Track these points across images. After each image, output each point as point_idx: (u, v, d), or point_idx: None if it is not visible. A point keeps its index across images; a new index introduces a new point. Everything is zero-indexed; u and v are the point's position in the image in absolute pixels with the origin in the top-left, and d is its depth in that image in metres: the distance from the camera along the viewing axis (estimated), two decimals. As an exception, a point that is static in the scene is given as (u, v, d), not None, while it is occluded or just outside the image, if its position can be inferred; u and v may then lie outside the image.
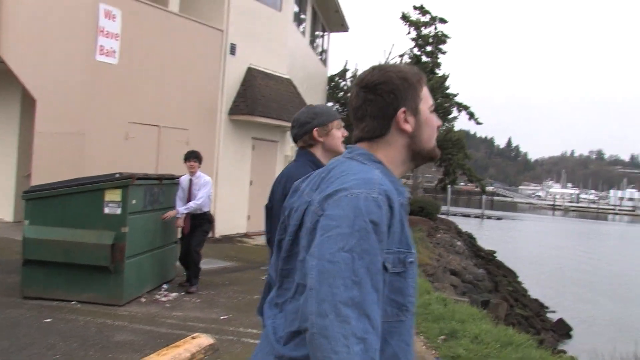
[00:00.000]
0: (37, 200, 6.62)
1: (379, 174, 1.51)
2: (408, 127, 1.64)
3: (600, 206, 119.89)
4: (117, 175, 6.71)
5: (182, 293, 7.61)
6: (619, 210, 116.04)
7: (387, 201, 1.44)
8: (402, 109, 1.63)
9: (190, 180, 7.87)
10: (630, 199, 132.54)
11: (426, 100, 1.68)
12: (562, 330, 15.44)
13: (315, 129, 2.89)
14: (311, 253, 1.41)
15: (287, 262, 1.64)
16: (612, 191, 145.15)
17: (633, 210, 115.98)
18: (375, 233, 1.38)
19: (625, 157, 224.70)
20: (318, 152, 2.91)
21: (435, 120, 1.71)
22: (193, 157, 7.86)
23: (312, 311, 1.33)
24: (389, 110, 1.63)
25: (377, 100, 1.63)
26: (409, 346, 1.52)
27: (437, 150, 1.73)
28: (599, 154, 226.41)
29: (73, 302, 6.55)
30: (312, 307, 1.33)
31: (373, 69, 1.69)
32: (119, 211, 6.55)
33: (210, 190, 7.99)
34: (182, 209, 7.78)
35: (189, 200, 7.80)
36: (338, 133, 2.94)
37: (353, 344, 1.28)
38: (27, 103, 9.75)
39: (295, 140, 3.00)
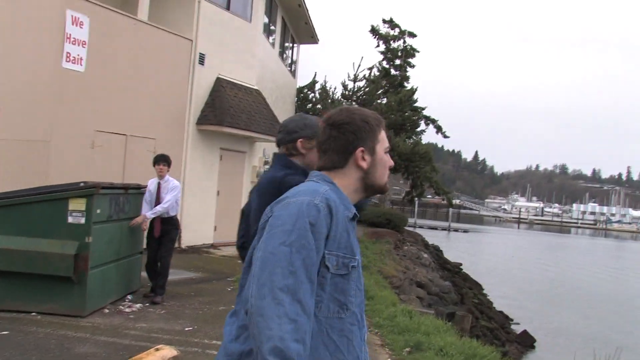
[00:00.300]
0: (-2, 208, 6.48)
1: (326, 188, 1.76)
2: (364, 164, 1.88)
3: (564, 219, 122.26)
4: (82, 184, 6.61)
5: (147, 304, 7.51)
6: (581, 223, 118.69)
7: (328, 208, 1.68)
8: (361, 148, 1.87)
9: (159, 184, 7.84)
10: (592, 213, 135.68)
11: (383, 142, 1.93)
12: (526, 341, 15.64)
13: (300, 139, 2.83)
14: (258, 247, 1.64)
15: (246, 272, 1.78)
16: (575, 205, 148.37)
17: (594, 224, 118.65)
18: (312, 232, 1.61)
19: (588, 172, 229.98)
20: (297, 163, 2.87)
21: (388, 161, 1.95)
22: (162, 160, 7.86)
23: (252, 294, 1.53)
24: (349, 147, 1.87)
25: (340, 138, 1.87)
26: (351, 341, 1.72)
27: (387, 187, 1.96)
28: (563, 168, 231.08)
29: (33, 314, 6.40)
30: (253, 290, 1.54)
31: (341, 110, 1.93)
32: (83, 221, 6.44)
33: (178, 195, 7.99)
34: (149, 213, 7.72)
35: (157, 204, 7.76)
36: None
37: (285, 323, 1.48)
38: (-10, 109, 9.58)
39: (278, 144, 2.95)
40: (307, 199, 1.66)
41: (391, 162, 1.97)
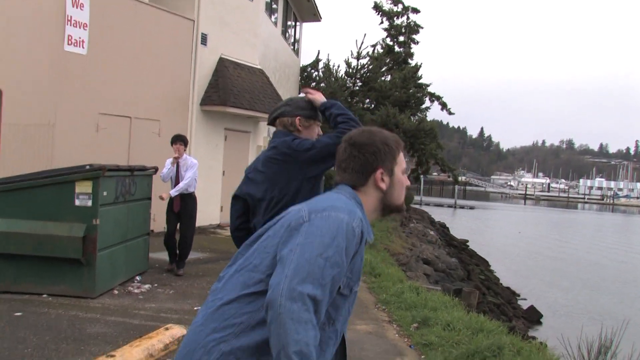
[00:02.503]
0: (6, 192, 6.51)
1: (360, 212, 1.83)
2: (383, 185, 1.97)
3: (571, 195, 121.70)
4: (88, 167, 6.64)
5: (155, 285, 7.58)
6: (588, 198, 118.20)
7: (361, 235, 1.76)
8: (380, 170, 1.96)
9: (177, 163, 8.17)
10: (599, 188, 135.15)
11: (401, 164, 2.03)
12: (533, 317, 15.69)
13: (299, 117, 2.98)
14: (292, 249, 1.66)
15: (246, 249, 1.87)
16: (582, 180, 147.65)
17: (602, 199, 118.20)
18: (345, 254, 1.68)
19: (595, 147, 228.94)
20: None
21: (405, 181, 2.05)
22: (179, 140, 8.27)
23: (282, 293, 1.57)
24: (368, 168, 1.95)
25: (360, 158, 1.95)
26: (324, 352, 1.80)
27: (404, 206, 2.10)
28: (569, 143, 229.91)
29: (44, 295, 6.48)
30: (284, 290, 1.57)
31: (362, 131, 2.02)
32: (90, 203, 6.48)
33: (196, 172, 8.36)
34: (172, 192, 8.13)
35: (177, 182, 8.14)
36: (316, 129, 3.07)
37: (310, 329, 1.57)
38: (-6, 94, 9.57)
39: (279, 116, 3.06)
40: (346, 218, 1.72)
41: (408, 182, 2.07)
